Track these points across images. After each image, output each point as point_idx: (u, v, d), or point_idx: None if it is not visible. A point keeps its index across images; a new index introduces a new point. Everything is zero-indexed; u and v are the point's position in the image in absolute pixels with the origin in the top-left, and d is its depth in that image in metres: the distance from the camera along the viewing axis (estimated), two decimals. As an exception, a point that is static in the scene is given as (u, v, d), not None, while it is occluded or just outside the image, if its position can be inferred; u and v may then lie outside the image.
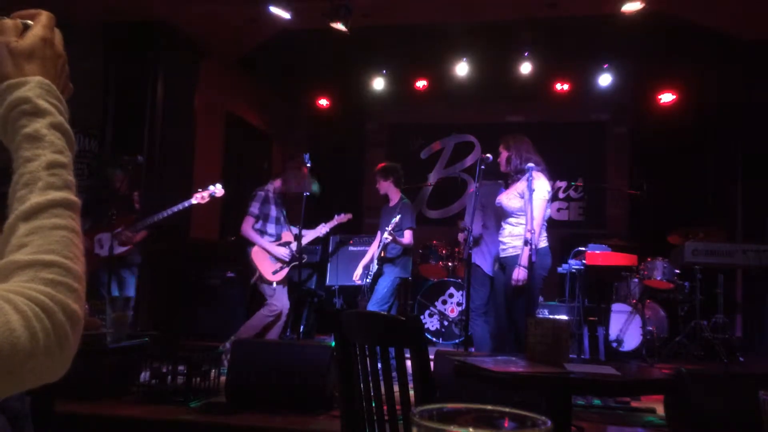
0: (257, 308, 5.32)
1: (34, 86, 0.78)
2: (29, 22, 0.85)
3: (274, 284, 5.20)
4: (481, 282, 4.85)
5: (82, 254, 0.73)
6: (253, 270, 5.26)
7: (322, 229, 5.48)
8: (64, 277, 0.69)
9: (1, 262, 0.70)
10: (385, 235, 5.11)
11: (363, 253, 5.91)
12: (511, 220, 4.35)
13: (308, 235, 5.42)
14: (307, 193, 5.14)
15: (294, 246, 5.27)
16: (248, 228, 5.21)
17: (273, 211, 5.30)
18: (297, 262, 5.26)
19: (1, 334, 0.61)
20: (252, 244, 5.24)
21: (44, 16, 0.86)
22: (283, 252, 5.23)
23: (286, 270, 5.23)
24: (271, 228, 5.29)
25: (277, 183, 5.36)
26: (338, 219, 5.61)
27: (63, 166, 0.76)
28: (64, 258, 0.70)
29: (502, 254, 4.39)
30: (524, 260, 4.11)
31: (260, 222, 5.27)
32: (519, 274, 4.11)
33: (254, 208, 5.24)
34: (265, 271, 5.22)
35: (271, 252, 5.22)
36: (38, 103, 0.77)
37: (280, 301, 5.21)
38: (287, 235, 5.33)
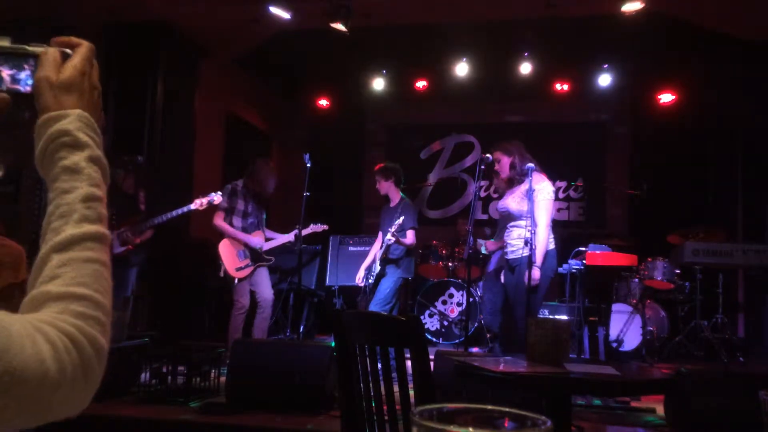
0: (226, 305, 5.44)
1: (74, 119, 0.79)
2: (69, 51, 0.86)
3: (236, 281, 5.25)
4: None
5: (110, 288, 0.75)
6: (219, 264, 5.33)
7: (292, 236, 5.43)
8: (93, 310, 0.70)
9: (33, 292, 0.71)
10: (388, 236, 5.11)
11: (363, 253, 5.91)
12: (519, 222, 4.35)
13: (279, 239, 5.43)
14: (306, 194, 5.16)
15: (264, 246, 5.32)
16: (218, 220, 5.32)
17: (240, 205, 5.34)
18: (263, 262, 5.30)
19: (32, 364, 0.61)
20: (221, 237, 5.33)
21: (84, 47, 0.87)
22: (255, 242, 5.26)
23: (249, 269, 5.27)
24: (237, 221, 5.33)
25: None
26: (314, 228, 5.56)
27: (98, 200, 0.77)
28: (94, 292, 0.71)
29: (510, 255, 4.40)
30: (537, 261, 4.13)
31: (228, 215, 5.33)
32: (534, 273, 4.12)
33: (223, 201, 5.32)
34: (230, 266, 5.28)
35: (242, 241, 5.27)
36: (78, 135, 0.78)
37: (243, 296, 5.26)
38: (259, 235, 5.35)
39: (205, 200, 5.26)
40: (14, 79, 0.87)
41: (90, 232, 0.74)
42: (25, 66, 0.86)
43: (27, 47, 0.86)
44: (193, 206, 5.21)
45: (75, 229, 0.73)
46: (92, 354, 0.68)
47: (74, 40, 0.87)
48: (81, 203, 0.75)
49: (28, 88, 0.87)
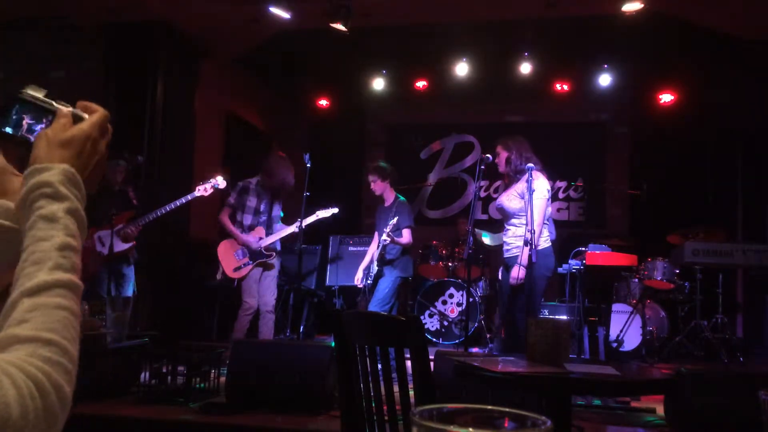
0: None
1: (57, 172, 0.81)
2: (84, 115, 0.90)
3: (236, 281, 5.27)
4: None
5: (78, 337, 0.74)
6: (218, 265, 5.35)
7: (294, 227, 5.32)
8: (61, 357, 0.70)
9: (0, 335, 0.70)
10: (384, 236, 5.11)
11: (363, 253, 5.90)
12: (513, 221, 4.35)
13: (282, 231, 5.38)
14: (307, 194, 5.15)
15: (262, 242, 5.29)
16: (223, 216, 5.31)
17: (250, 202, 5.31)
18: (263, 259, 5.29)
19: None
20: (223, 238, 5.36)
21: (98, 114, 0.91)
22: (253, 242, 5.25)
23: (248, 268, 5.26)
24: (247, 219, 5.32)
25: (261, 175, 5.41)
26: (321, 213, 5.43)
27: (73, 250, 0.78)
28: (62, 338, 0.71)
29: (506, 254, 4.41)
30: (523, 259, 4.12)
31: (238, 212, 5.32)
32: (517, 272, 4.12)
33: (231, 198, 5.32)
34: (227, 267, 5.29)
35: (237, 239, 5.26)
36: (59, 188, 0.80)
37: (251, 297, 5.24)
38: (260, 231, 5.33)
39: (208, 185, 5.26)
40: (30, 129, 0.92)
41: (63, 279, 0.75)
42: (44, 120, 0.92)
43: (53, 103, 0.92)
44: (197, 193, 5.22)
45: (48, 275, 0.74)
46: (56, 402, 0.67)
47: (93, 106, 0.92)
48: (56, 251, 0.76)
49: None
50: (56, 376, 0.68)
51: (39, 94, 0.93)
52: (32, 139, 0.92)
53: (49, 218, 0.78)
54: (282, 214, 5.51)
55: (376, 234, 5.47)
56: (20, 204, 0.80)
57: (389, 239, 5.09)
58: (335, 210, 5.51)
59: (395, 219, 5.12)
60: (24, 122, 0.92)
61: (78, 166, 0.84)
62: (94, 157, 0.88)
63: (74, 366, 0.71)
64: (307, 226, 5.29)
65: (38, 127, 0.92)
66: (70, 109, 0.91)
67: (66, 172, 0.82)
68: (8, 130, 0.92)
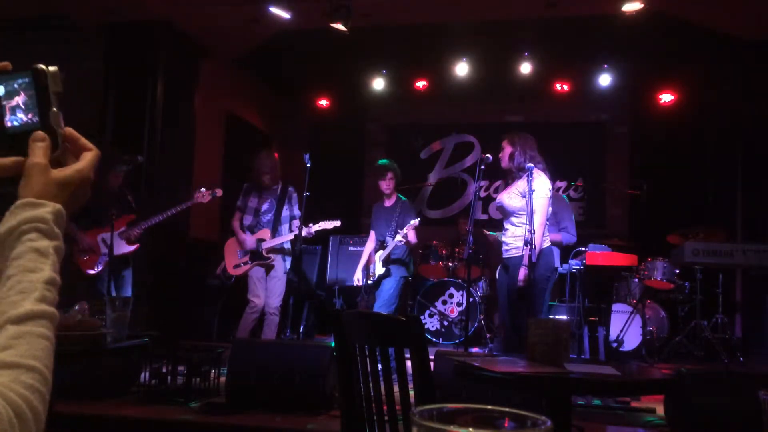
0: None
1: (53, 211, 0.83)
2: (58, 141, 0.87)
3: (233, 278, 5.37)
4: None
5: (53, 369, 0.76)
6: (220, 261, 5.46)
7: (294, 231, 5.30)
8: (42, 385, 0.71)
9: None
10: (398, 237, 5.12)
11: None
12: (513, 219, 4.31)
13: (284, 237, 5.36)
14: (307, 194, 5.15)
15: (264, 244, 5.31)
16: (233, 221, 5.44)
17: (252, 203, 5.39)
18: (262, 260, 5.32)
19: None
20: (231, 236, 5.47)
21: (94, 154, 0.91)
22: (249, 244, 5.30)
23: (246, 267, 5.31)
24: (247, 219, 5.41)
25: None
26: (323, 224, 5.35)
27: (57, 285, 0.81)
28: (44, 367, 0.73)
29: (505, 255, 4.36)
30: (526, 260, 4.10)
31: (242, 214, 5.43)
32: (521, 274, 4.10)
33: (239, 201, 5.45)
34: (229, 263, 5.38)
35: (238, 240, 5.36)
36: (53, 226, 0.83)
37: (257, 296, 5.28)
38: (264, 233, 5.35)
39: (207, 193, 5.31)
40: (14, 110, 0.86)
41: (47, 311, 0.77)
42: (30, 114, 0.86)
43: (53, 110, 0.86)
44: (196, 200, 5.27)
45: (34, 305, 0.76)
46: (33, 429, 0.68)
47: (85, 142, 0.92)
48: (43, 284, 0.78)
49: (8, 125, 0.86)
50: (36, 404, 0.69)
51: (56, 87, 0.87)
52: (7, 120, 0.85)
53: (41, 252, 0.80)
54: (299, 214, 5.39)
55: (372, 233, 5.47)
56: (8, 232, 0.81)
57: (403, 240, 5.11)
58: (337, 223, 5.42)
59: (416, 220, 5.15)
60: (16, 99, 0.86)
61: (68, 206, 0.86)
62: (83, 198, 0.90)
63: (49, 396, 0.73)
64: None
65: (20, 114, 0.86)
66: (44, 136, 0.86)
67: (59, 212, 0.84)
68: (0, 91, 0.86)
